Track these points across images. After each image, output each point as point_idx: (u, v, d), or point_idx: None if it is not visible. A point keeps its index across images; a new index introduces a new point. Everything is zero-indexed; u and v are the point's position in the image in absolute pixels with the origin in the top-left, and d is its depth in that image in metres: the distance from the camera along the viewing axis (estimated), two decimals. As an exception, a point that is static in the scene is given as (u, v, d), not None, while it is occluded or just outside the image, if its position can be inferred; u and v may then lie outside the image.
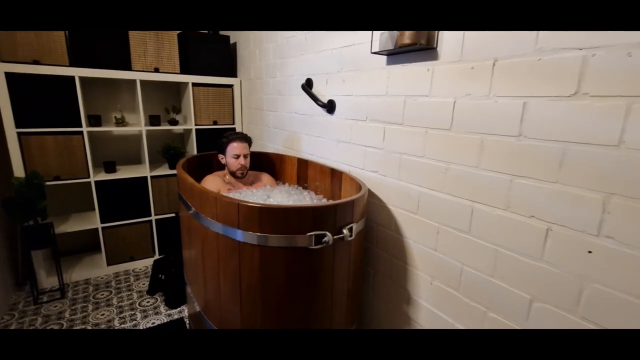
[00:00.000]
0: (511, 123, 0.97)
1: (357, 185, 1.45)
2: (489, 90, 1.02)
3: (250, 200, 1.65)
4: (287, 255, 1.11)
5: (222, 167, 1.92)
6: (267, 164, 2.13)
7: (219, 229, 1.17)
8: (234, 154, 1.79)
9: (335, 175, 1.67)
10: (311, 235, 1.09)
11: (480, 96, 1.04)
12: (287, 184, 2.00)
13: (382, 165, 1.45)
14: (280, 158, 2.10)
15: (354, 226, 1.19)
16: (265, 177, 1.98)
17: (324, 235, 1.10)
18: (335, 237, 1.12)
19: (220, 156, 1.86)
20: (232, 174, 1.84)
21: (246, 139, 1.85)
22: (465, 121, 1.09)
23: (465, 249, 1.14)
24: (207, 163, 2.02)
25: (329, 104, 1.72)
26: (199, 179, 1.91)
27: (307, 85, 1.85)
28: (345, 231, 1.15)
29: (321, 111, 1.81)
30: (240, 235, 1.12)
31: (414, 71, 1.26)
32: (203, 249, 1.31)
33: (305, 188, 1.91)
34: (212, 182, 1.80)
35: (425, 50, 1.20)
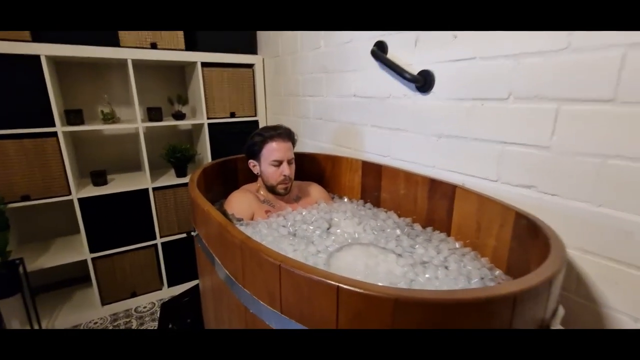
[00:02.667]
0: None
1: (501, 209, 0.84)
2: None
3: (312, 235, 1.02)
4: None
5: (251, 177, 1.31)
6: (312, 170, 1.52)
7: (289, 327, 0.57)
8: (273, 160, 1.19)
9: (437, 190, 1.06)
10: (506, 354, 0.48)
11: None
12: (346, 199, 1.39)
13: (546, 177, 0.83)
14: (333, 161, 1.48)
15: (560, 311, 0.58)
16: (315, 190, 1.37)
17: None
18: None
19: (252, 162, 1.26)
20: (271, 188, 1.24)
21: (290, 136, 1.24)
22: None
23: None
24: (231, 172, 1.42)
25: (421, 76, 1.10)
26: (220, 197, 1.32)
27: (380, 51, 1.22)
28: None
29: (404, 90, 1.19)
30: (339, 350, 0.51)
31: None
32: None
33: (376, 205, 1.31)
34: (243, 203, 1.20)
35: None
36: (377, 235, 1.05)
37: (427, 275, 0.82)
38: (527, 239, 0.75)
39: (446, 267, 0.86)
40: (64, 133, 1.63)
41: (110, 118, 1.80)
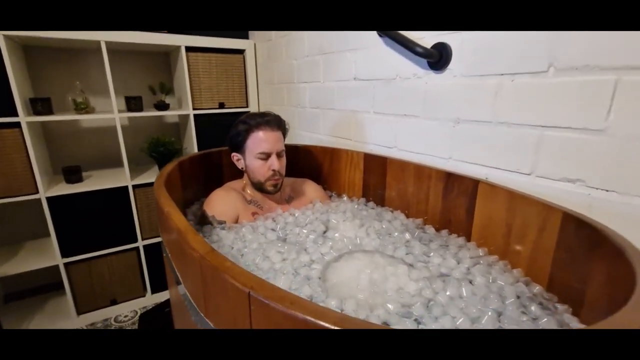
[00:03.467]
0: None
1: (541, 210, 0.67)
2: None
3: (306, 239, 0.86)
4: None
5: (238, 173, 1.14)
6: (307, 165, 1.35)
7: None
8: (259, 152, 1.01)
9: (454, 186, 0.89)
10: None
11: None
12: (345, 198, 1.22)
13: (598, 169, 0.66)
14: (331, 154, 1.31)
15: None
16: (310, 188, 1.20)
17: None
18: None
19: (236, 155, 1.08)
20: (258, 186, 1.06)
21: (279, 125, 1.06)
22: None
23: None
24: (215, 167, 1.24)
25: (436, 50, 0.92)
26: (201, 195, 1.15)
27: (385, 24, 1.05)
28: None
29: (413, 69, 1.01)
30: None
31: None
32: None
33: (379, 204, 1.13)
34: (226, 204, 1.03)
35: None
36: (383, 240, 0.88)
37: (448, 293, 0.65)
38: (582, 249, 0.58)
39: (470, 282, 0.69)
40: (30, 124, 1.45)
41: (83, 108, 1.62)
